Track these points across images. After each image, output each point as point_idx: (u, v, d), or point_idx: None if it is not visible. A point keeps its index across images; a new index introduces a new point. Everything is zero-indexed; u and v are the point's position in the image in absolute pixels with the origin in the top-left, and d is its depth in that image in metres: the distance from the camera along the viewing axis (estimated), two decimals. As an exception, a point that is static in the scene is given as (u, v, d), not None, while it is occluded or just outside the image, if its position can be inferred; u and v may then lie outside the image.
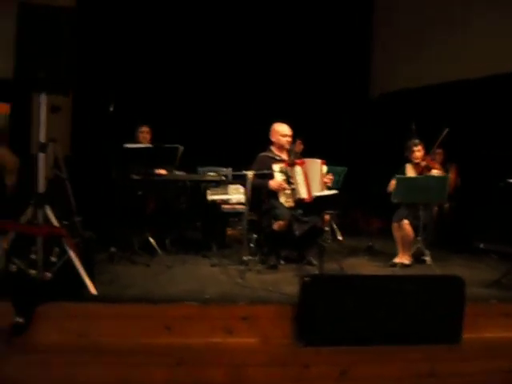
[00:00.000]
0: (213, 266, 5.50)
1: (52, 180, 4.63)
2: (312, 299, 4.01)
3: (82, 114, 7.55)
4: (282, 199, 5.51)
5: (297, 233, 5.42)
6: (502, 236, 6.24)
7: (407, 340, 4.01)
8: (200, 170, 6.61)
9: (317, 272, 5.02)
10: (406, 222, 5.58)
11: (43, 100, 4.21)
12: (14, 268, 4.08)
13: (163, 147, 5.20)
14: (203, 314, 4.11)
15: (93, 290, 4.15)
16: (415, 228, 5.58)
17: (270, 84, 8.42)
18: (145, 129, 6.14)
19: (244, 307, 4.15)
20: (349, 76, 8.51)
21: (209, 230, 6.19)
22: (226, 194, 6.31)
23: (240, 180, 6.19)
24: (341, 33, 8.51)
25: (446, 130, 5.58)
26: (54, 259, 4.11)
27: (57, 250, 4.14)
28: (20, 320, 3.83)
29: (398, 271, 5.47)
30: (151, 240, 5.50)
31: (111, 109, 5.05)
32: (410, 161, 5.98)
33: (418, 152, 5.77)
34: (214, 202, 6.21)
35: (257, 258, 5.55)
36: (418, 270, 5.45)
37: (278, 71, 8.39)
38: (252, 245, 5.82)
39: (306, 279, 4.02)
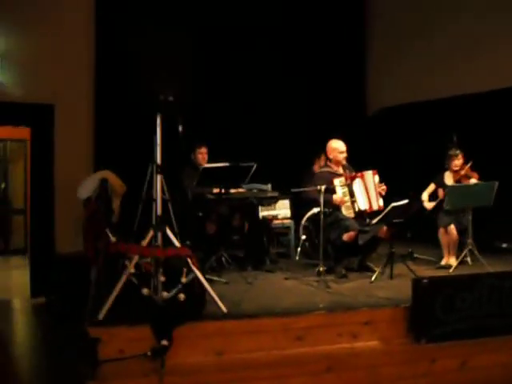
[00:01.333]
0: (286, 279, 5.67)
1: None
2: (429, 300, 4.34)
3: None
4: (344, 211, 5.81)
5: (360, 242, 5.75)
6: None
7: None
8: (245, 186, 6.76)
9: (380, 275, 5.48)
10: (452, 226, 6.06)
11: (159, 122, 4.29)
12: (146, 292, 4.09)
13: (241, 165, 5.35)
14: (329, 322, 4.32)
15: (223, 308, 4.23)
16: (459, 232, 6.08)
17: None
18: (203, 149, 6.23)
19: (365, 312, 4.41)
20: (345, 93, 8.93)
21: (261, 245, 6.34)
22: (275, 209, 6.53)
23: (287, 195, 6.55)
24: (334, 51, 8.87)
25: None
26: (183, 280, 4.16)
27: (185, 270, 4.18)
28: (165, 343, 3.86)
29: (448, 272, 5.89)
30: (224, 258, 5.61)
31: (180, 129, 5.14)
32: (447, 169, 6.50)
33: (458, 161, 6.28)
34: (264, 218, 6.42)
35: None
36: (468, 269, 5.89)
37: (277, 90, 8.59)
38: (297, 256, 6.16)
39: (424, 282, 4.36)
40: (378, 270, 5.69)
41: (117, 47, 7.40)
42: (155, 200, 4.33)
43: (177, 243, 4.28)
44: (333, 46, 8.91)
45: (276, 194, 6.24)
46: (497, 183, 5.74)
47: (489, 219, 6.65)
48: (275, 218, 6.56)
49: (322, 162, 7.55)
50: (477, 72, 7.61)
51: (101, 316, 4.01)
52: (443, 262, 6.17)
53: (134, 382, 3.74)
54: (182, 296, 4.10)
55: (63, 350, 4.91)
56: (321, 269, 5.49)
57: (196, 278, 4.21)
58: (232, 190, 5.85)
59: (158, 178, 4.31)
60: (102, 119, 7.42)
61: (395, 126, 8.46)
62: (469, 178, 6.20)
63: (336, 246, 5.78)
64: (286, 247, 6.87)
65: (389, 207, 5.49)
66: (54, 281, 7.17)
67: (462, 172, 6.22)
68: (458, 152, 6.25)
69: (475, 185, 5.97)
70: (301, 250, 6.76)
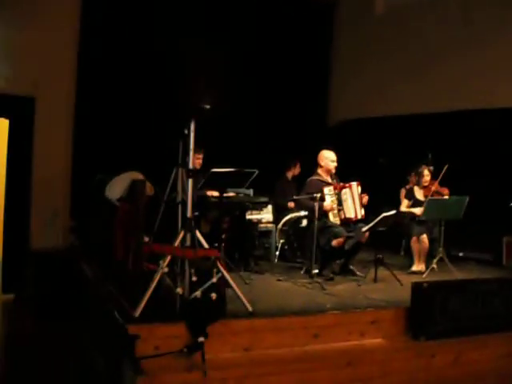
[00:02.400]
0: (279, 280, 5.99)
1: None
2: (428, 301, 4.81)
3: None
4: (332, 218, 6.22)
5: (346, 247, 6.18)
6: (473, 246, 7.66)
7: (498, 328, 5.01)
8: (230, 190, 6.97)
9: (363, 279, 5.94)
10: (424, 236, 6.62)
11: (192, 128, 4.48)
12: (180, 291, 4.27)
13: (245, 171, 5.58)
14: (340, 321, 4.70)
15: (249, 307, 4.48)
16: (431, 241, 6.67)
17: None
18: (200, 155, 6.39)
19: (371, 313, 4.82)
20: (307, 104, 9.36)
21: (247, 248, 6.60)
22: (259, 214, 6.83)
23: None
24: (300, 62, 9.27)
25: (446, 166, 6.70)
26: (214, 280, 4.37)
27: (215, 271, 4.39)
28: (202, 339, 4.06)
29: (420, 277, 6.44)
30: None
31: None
32: (407, 183, 7.08)
33: (427, 177, 6.87)
34: (251, 221, 6.70)
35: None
36: (437, 275, 6.47)
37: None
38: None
39: (424, 285, 4.83)
40: (361, 274, 6.19)
41: (101, 42, 7.40)
42: (183, 202, 4.52)
43: (205, 245, 4.49)
44: (298, 58, 9.32)
45: (266, 199, 6.54)
46: (467, 198, 6.36)
47: (445, 230, 7.30)
48: (260, 221, 6.87)
49: (297, 171, 7.99)
50: (436, 90, 8.32)
51: (137, 313, 4.15)
52: (414, 268, 6.72)
53: (178, 376, 3.90)
54: (214, 295, 4.31)
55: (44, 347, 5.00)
56: (313, 271, 5.86)
57: (223, 278, 4.44)
58: (229, 194, 6.10)
59: (190, 182, 4.49)
60: (83, 114, 7.41)
61: (355, 138, 9.03)
62: (441, 194, 6.79)
63: (325, 250, 6.17)
64: (265, 250, 7.16)
65: (380, 216, 5.96)
66: (27, 276, 7.10)
67: (433, 188, 6.80)
68: (430, 168, 6.84)
69: (450, 199, 6.56)
70: (279, 253, 7.13)
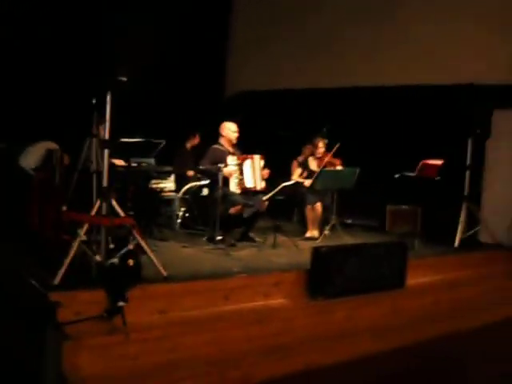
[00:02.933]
0: (184, 247, 6.21)
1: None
2: (326, 264, 5.29)
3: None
4: (233, 187, 6.52)
5: (245, 215, 6.53)
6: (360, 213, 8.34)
7: (382, 288, 5.62)
8: (133, 160, 7.01)
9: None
10: (318, 204, 7.13)
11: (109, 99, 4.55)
12: (98, 258, 4.38)
13: (152, 142, 5.69)
14: (247, 283, 5.04)
15: (164, 272, 4.69)
16: (324, 209, 7.19)
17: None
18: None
19: (275, 275, 5.22)
20: (205, 75, 9.49)
21: (150, 216, 6.73)
22: (161, 183, 6.97)
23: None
24: (198, 32, 9.34)
25: (338, 145, 7.19)
26: (131, 247, 4.52)
27: (131, 238, 4.55)
28: (122, 304, 4.22)
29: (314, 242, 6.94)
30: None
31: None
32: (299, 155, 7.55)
33: (322, 149, 7.35)
34: (154, 190, 6.83)
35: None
36: (329, 240, 7.00)
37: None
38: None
39: (323, 249, 5.30)
40: (260, 240, 6.59)
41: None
42: (99, 172, 4.60)
43: (121, 213, 4.61)
44: (195, 26, 9.38)
45: (171, 168, 6.70)
46: (358, 169, 6.92)
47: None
48: (162, 190, 7.01)
49: (196, 141, 8.20)
50: (342, 67, 8.84)
51: (56, 281, 4.22)
52: (308, 234, 7.22)
53: (101, 339, 4.04)
54: (131, 261, 4.47)
55: None
56: (216, 238, 6.15)
57: (138, 245, 4.61)
58: (133, 164, 6.18)
59: (106, 152, 4.57)
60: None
61: (251, 110, 9.34)
62: (333, 164, 7.30)
63: (225, 218, 6.46)
64: (168, 218, 7.33)
65: (280, 186, 6.35)
66: None
67: (326, 159, 7.29)
68: (325, 141, 7.32)
69: (343, 170, 7.10)
70: (180, 221, 7.34)
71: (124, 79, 4.45)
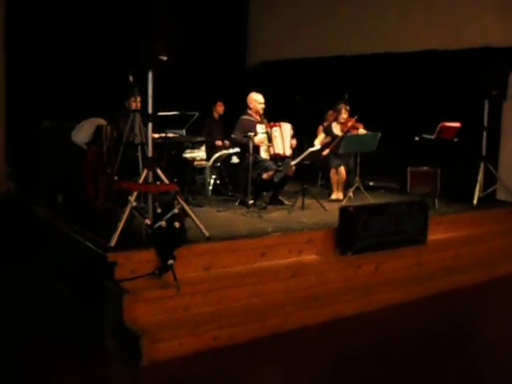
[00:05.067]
0: (219, 211, 6.66)
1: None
2: (353, 222, 5.71)
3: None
4: (262, 154, 6.92)
5: (275, 180, 6.94)
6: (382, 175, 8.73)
7: (405, 243, 6.04)
8: (168, 131, 7.43)
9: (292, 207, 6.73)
10: (342, 167, 7.52)
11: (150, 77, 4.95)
12: (148, 221, 4.85)
13: (187, 114, 6.09)
14: (282, 242, 5.50)
15: (206, 233, 5.15)
16: (346, 172, 7.58)
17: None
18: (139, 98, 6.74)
19: (306, 233, 5.66)
20: (226, 45, 9.83)
21: (184, 183, 7.17)
22: (193, 152, 7.41)
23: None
24: (219, 8, 9.69)
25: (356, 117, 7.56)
26: (176, 210, 4.97)
27: (176, 203, 4.99)
28: (171, 262, 4.70)
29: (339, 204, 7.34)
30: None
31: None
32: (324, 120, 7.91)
33: (345, 114, 7.71)
34: (186, 159, 7.27)
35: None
36: (354, 202, 7.40)
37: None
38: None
39: (350, 209, 5.72)
40: (289, 203, 7.02)
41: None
42: (144, 144, 5.04)
43: (166, 180, 5.06)
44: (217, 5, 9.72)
45: (203, 138, 7.12)
46: (380, 133, 7.28)
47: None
48: (194, 159, 7.45)
49: (221, 109, 8.60)
50: (360, 34, 9.12)
51: (112, 243, 4.70)
52: (333, 197, 7.63)
53: (155, 293, 4.53)
54: (177, 223, 4.92)
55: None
56: (250, 202, 6.59)
57: (182, 209, 5.06)
58: (170, 135, 6.61)
59: (149, 125, 5.00)
60: (15, 63, 7.48)
61: (274, 80, 9.68)
62: (356, 128, 7.67)
63: (256, 183, 6.88)
64: (200, 185, 7.77)
65: (307, 151, 6.75)
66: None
67: (350, 124, 7.65)
68: (347, 107, 7.67)
69: (365, 134, 7.46)
70: (212, 188, 7.79)
71: (164, 58, 4.83)
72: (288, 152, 7.03)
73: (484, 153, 7.83)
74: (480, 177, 7.79)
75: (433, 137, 7.40)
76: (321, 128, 8.23)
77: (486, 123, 7.79)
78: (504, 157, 8.17)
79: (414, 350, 4.62)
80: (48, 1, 7.68)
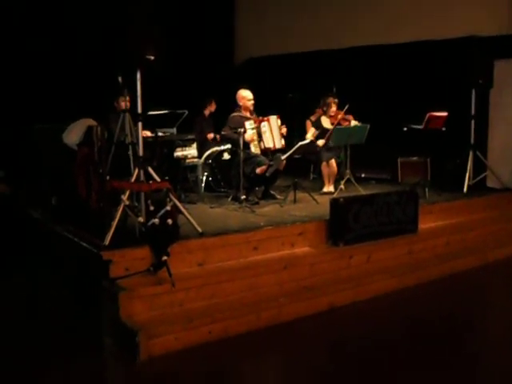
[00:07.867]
0: (212, 207, 6.72)
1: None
2: (344, 213, 5.79)
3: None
4: (253, 149, 6.99)
5: (267, 174, 7.01)
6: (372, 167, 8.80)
7: (396, 232, 6.12)
8: (158, 130, 7.48)
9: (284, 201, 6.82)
10: (333, 160, 7.59)
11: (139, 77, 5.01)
12: (141, 219, 4.91)
13: (177, 112, 6.15)
14: (274, 235, 5.56)
15: (199, 229, 5.21)
16: (338, 165, 7.66)
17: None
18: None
19: (298, 226, 5.73)
20: (214, 42, 9.88)
21: (176, 181, 7.22)
22: (184, 150, 7.46)
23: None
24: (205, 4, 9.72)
25: (347, 106, 7.62)
26: (168, 208, 5.03)
27: (168, 200, 5.05)
28: (165, 258, 4.76)
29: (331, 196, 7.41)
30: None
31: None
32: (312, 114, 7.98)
33: (334, 107, 7.78)
34: (178, 157, 7.33)
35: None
36: (345, 194, 7.47)
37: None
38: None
39: (340, 200, 5.79)
40: (281, 197, 7.09)
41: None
42: (134, 143, 5.10)
43: (157, 178, 5.12)
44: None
45: (193, 136, 7.17)
46: (368, 125, 7.35)
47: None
48: (186, 157, 7.51)
49: (213, 108, 8.66)
50: (347, 27, 9.18)
51: (106, 241, 4.76)
52: (325, 189, 7.69)
53: (150, 289, 4.59)
54: (169, 221, 4.98)
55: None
56: (241, 197, 6.65)
57: (174, 206, 5.12)
58: (160, 134, 6.67)
59: (139, 125, 5.05)
60: (4, 65, 7.52)
61: (262, 76, 9.76)
62: (348, 120, 7.73)
63: (249, 178, 6.95)
64: (192, 183, 7.83)
65: (297, 145, 6.81)
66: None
67: (339, 116, 7.72)
68: (336, 100, 7.74)
69: (355, 126, 7.53)
70: (204, 185, 7.85)
71: (151, 58, 4.88)
72: (279, 144, 7.11)
73: (473, 141, 7.91)
74: (469, 165, 7.88)
75: (421, 127, 7.48)
76: (309, 123, 8.28)
77: (473, 111, 7.87)
78: (492, 144, 8.26)
79: (408, 338, 4.70)
80: (37, 1, 7.70)
